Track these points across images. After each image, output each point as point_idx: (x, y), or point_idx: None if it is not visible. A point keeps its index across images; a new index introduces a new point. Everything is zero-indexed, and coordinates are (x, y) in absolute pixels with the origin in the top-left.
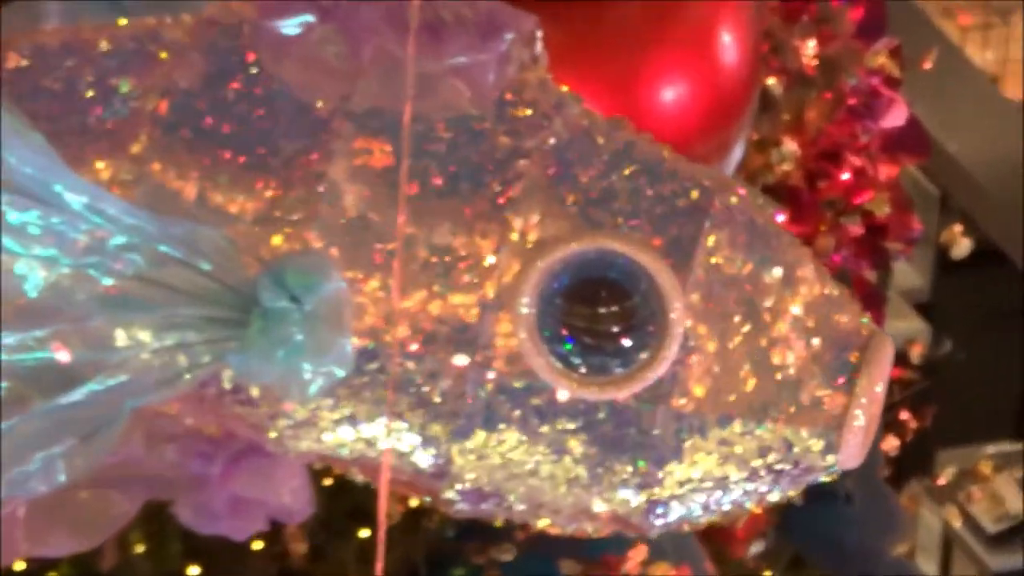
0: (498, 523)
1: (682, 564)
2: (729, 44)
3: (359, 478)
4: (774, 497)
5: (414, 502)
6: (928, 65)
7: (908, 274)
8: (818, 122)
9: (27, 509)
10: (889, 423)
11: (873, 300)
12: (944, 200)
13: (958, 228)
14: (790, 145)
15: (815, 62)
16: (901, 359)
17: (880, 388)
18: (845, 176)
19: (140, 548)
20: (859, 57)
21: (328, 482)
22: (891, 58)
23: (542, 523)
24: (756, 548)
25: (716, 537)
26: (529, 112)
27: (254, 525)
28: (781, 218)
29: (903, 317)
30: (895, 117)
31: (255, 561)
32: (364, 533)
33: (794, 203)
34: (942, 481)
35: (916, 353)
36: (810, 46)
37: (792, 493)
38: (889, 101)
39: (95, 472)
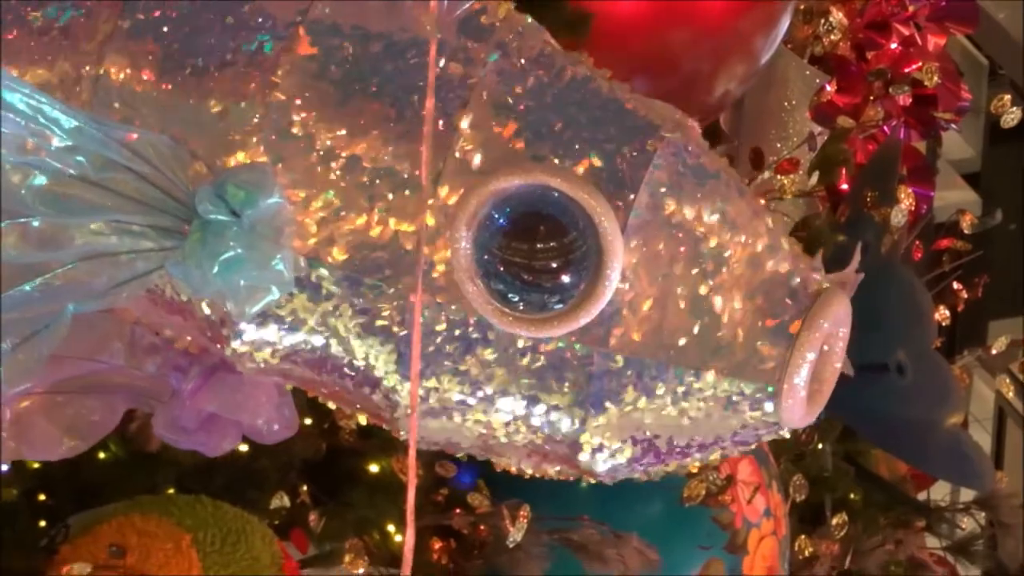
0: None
1: None
2: None
3: (321, 398)
4: (716, 455)
5: None
6: None
7: (958, 144)
8: None
9: (13, 413)
10: (941, 294)
11: (923, 170)
12: (993, 70)
13: (1007, 97)
14: (837, 15)
15: None
16: (952, 230)
17: (839, 347)
18: (893, 46)
19: None
20: None
21: None
22: None
23: (503, 461)
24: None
25: None
26: (485, 39)
27: (225, 442)
28: (829, 88)
29: (953, 187)
30: None
31: (304, 438)
32: None
33: (842, 73)
34: (995, 351)
35: (967, 223)
36: None
37: (738, 452)
38: None
39: (74, 379)
